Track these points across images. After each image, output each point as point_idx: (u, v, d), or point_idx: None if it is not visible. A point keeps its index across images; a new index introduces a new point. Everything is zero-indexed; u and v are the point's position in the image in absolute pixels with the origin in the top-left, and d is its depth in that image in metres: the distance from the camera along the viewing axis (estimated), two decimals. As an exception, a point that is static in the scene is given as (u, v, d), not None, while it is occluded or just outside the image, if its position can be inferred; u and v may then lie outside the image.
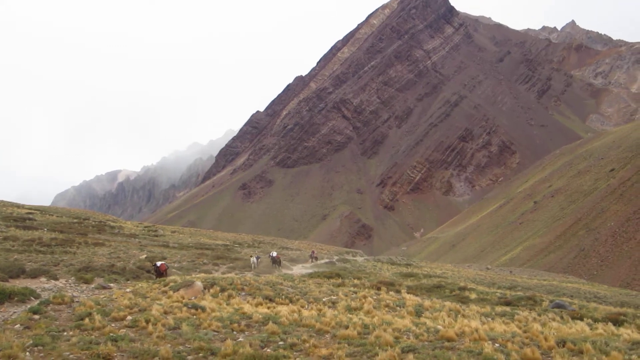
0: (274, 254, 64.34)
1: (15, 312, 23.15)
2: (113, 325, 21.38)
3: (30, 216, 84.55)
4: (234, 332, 21.73)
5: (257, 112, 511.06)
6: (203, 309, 24.49)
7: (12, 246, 50.61)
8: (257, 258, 59.16)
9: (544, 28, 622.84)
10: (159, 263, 42.96)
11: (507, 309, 32.74)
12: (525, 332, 22.83)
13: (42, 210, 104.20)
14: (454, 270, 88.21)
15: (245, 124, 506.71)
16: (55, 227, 74.42)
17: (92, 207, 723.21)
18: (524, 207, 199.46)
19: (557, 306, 34.67)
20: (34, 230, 66.51)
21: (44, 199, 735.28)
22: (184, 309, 24.43)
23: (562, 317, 29.80)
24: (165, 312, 23.51)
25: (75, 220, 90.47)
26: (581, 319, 29.69)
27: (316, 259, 79.23)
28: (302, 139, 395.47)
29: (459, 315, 28.38)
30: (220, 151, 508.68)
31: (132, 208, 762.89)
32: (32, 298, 26.26)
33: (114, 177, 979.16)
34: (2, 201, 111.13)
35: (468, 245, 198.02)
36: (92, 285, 33.14)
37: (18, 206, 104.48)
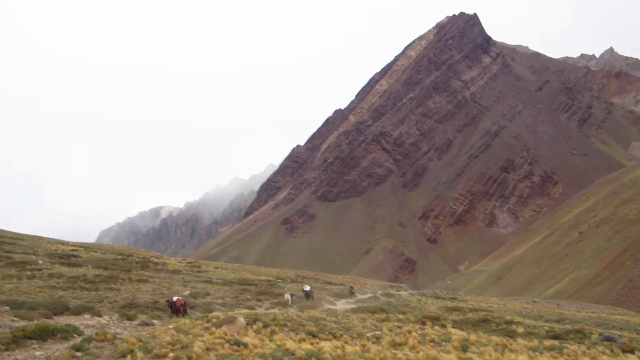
0: (307, 287, 63.75)
1: (57, 350, 23.07)
2: (155, 362, 21.19)
3: (75, 253, 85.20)
4: (277, 369, 21.42)
5: (298, 146, 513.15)
6: (245, 346, 24.12)
7: (57, 283, 50.95)
8: (292, 295, 57.72)
9: (582, 56, 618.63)
10: (175, 298, 41.04)
11: (556, 342, 31.94)
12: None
13: (86, 247, 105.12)
14: (500, 304, 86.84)
15: (286, 158, 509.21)
16: (100, 263, 74.92)
17: (136, 243, 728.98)
18: (569, 237, 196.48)
19: (606, 339, 33.78)
20: (79, 267, 66.98)
21: (88, 235, 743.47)
22: (226, 345, 24.07)
23: (612, 351, 29.00)
24: (208, 349, 23.20)
25: (119, 257, 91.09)
26: (632, 352, 28.86)
27: (354, 294, 78.17)
28: (342, 172, 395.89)
29: (506, 350, 27.72)
30: (262, 186, 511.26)
31: (175, 244, 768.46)
32: (75, 335, 26.19)
33: (157, 213, 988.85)
34: (47, 238, 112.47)
35: (513, 278, 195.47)
36: (135, 322, 33.07)
37: (63, 243, 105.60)
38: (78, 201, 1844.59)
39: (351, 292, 78.25)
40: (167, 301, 41.27)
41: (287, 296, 56.16)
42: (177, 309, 39.19)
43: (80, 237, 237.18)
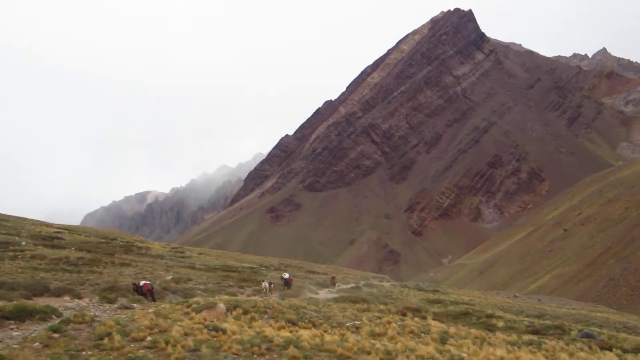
0: (286, 275, 63.52)
1: (35, 331, 23.04)
2: (132, 345, 21.14)
3: (59, 235, 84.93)
4: (254, 356, 21.42)
5: (287, 135, 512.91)
6: (224, 332, 24.17)
7: (39, 265, 50.79)
8: (270, 283, 56.58)
9: (575, 55, 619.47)
10: (141, 282, 40.01)
11: (535, 337, 32.07)
12: (551, 361, 22.35)
13: (70, 229, 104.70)
14: (482, 298, 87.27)
15: (274, 148, 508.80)
16: (83, 246, 74.70)
17: (121, 227, 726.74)
18: (553, 234, 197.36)
19: (585, 336, 34.00)
20: (62, 250, 66.73)
21: (74, 218, 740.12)
22: (205, 330, 24.11)
23: (590, 347, 29.13)
24: (186, 334, 23.24)
25: (103, 240, 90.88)
26: (610, 349, 29.04)
27: (335, 284, 77.86)
28: (330, 163, 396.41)
29: (485, 343, 27.81)
30: (249, 174, 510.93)
31: (160, 229, 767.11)
32: (53, 316, 26.11)
33: (143, 198, 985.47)
34: (31, 220, 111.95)
35: (496, 273, 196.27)
36: (115, 305, 33.04)
37: (47, 225, 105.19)
38: (63, 183, 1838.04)
39: (332, 283, 77.94)
40: (134, 284, 40.40)
41: (265, 284, 55.37)
42: (143, 294, 38.55)
43: (65, 220, 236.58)
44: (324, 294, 64.30)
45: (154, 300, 38.95)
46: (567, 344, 29.87)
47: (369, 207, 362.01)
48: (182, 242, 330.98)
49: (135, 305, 34.11)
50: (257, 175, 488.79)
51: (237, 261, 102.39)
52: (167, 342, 21.37)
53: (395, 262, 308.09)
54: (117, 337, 21.47)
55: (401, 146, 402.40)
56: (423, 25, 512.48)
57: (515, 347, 27.40)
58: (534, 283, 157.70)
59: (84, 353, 19.66)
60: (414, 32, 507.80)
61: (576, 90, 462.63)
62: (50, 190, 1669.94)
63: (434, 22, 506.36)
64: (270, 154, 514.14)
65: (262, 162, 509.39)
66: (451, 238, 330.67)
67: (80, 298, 35.53)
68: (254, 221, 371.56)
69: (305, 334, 25.86)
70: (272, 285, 55.72)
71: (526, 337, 31.50)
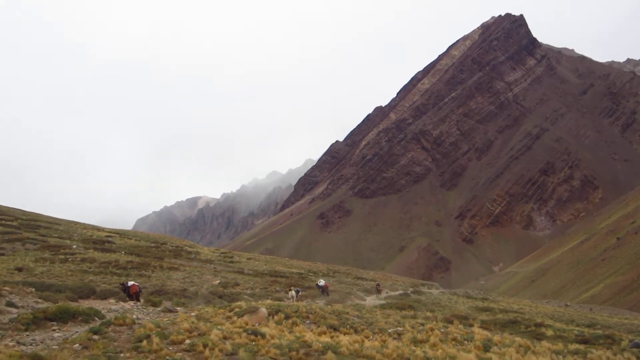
0: (322, 282, 60.35)
1: (76, 332, 23.32)
2: (170, 348, 21.28)
3: (110, 239, 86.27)
4: (291, 360, 21.45)
5: (337, 142, 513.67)
6: (263, 336, 24.21)
7: (89, 268, 51.71)
8: (297, 292, 53.41)
9: (629, 60, 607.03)
10: (129, 283, 38.46)
11: (581, 347, 31.49)
12: (596, 372, 21.91)
13: (121, 233, 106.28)
14: (532, 306, 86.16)
15: (325, 154, 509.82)
16: (133, 250, 75.79)
17: (172, 232, 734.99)
18: (607, 243, 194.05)
19: (636, 346, 33.19)
20: (112, 253, 67.86)
21: (126, 223, 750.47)
22: (244, 334, 24.17)
23: (639, 358, 28.53)
24: (225, 337, 23.31)
25: (152, 245, 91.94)
26: (661, 360, 28.38)
27: (380, 292, 75.73)
28: (380, 169, 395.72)
29: (529, 352, 27.38)
30: (299, 180, 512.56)
31: (211, 234, 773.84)
32: (96, 319, 26.45)
33: (194, 203, 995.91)
34: (82, 223, 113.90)
35: (548, 281, 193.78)
36: (159, 309, 33.30)
37: (98, 229, 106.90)
38: (117, 188, 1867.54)
39: (378, 290, 75.91)
40: (121, 284, 39.14)
41: (292, 292, 52.46)
42: (129, 295, 37.84)
43: (117, 224, 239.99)
44: (371, 301, 64.01)
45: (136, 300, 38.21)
46: (615, 354, 29.21)
47: (419, 214, 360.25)
48: (232, 247, 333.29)
49: (179, 308, 34.37)
50: (307, 181, 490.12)
51: (286, 267, 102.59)
52: (205, 346, 21.45)
53: (445, 269, 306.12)
54: (155, 339, 21.62)
55: (452, 153, 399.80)
56: (474, 31, 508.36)
57: (560, 356, 26.94)
58: (586, 292, 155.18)
59: (122, 355, 19.85)
60: (465, 38, 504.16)
61: (630, 96, 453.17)
62: (104, 195, 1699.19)
63: (485, 27, 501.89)
64: (320, 160, 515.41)
65: (313, 168, 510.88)
66: (502, 246, 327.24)
67: (125, 301, 35.94)
68: (304, 227, 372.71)
69: (345, 339, 25.78)
70: (299, 294, 53.18)
71: (572, 347, 30.91)
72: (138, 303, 36.90)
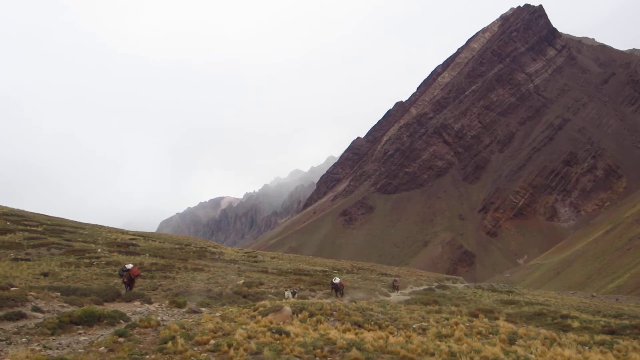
0: (337, 280, 56.47)
1: (102, 335, 23.52)
2: (195, 349, 21.40)
3: (134, 242, 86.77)
4: (317, 358, 21.46)
5: (358, 138, 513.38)
6: (287, 334, 24.30)
7: (114, 271, 51.95)
8: (294, 293, 50.26)
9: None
10: (129, 266, 38.21)
11: (608, 337, 31.38)
12: (621, 362, 21.85)
13: (145, 236, 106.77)
14: (558, 298, 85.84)
15: (346, 151, 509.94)
16: (157, 252, 76.16)
17: (196, 233, 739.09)
18: (632, 232, 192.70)
19: (661, 335, 33.11)
20: (136, 256, 68.23)
21: (150, 225, 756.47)
22: (268, 333, 24.25)
23: (665, 347, 28.36)
24: (249, 337, 23.41)
25: (177, 246, 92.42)
26: (689, 348, 28.20)
27: (398, 288, 73.74)
28: (402, 164, 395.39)
29: (555, 344, 27.34)
30: (322, 178, 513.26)
31: (235, 234, 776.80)
32: (121, 321, 26.64)
33: (217, 204, 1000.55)
34: (107, 227, 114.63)
35: (573, 272, 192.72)
36: (184, 310, 33.51)
37: (122, 232, 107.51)
38: (141, 191, 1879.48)
39: (395, 286, 73.89)
40: (120, 269, 38.97)
41: (288, 294, 49.41)
42: (131, 279, 37.74)
43: (141, 227, 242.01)
44: (395, 297, 64.08)
45: (130, 289, 38.02)
46: (642, 344, 29.14)
47: (443, 208, 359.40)
48: (256, 246, 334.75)
49: (203, 309, 34.56)
50: (330, 178, 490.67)
51: (310, 265, 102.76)
52: (229, 346, 21.55)
53: (470, 263, 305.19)
54: (180, 340, 21.77)
55: (474, 146, 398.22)
56: (493, 23, 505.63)
57: (586, 348, 26.89)
58: (612, 282, 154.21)
59: (147, 357, 19.99)
60: (484, 30, 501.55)
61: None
62: (127, 198, 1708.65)
63: (504, 19, 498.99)
64: (342, 157, 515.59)
65: (334, 166, 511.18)
66: (526, 238, 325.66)
67: (150, 303, 36.17)
68: (327, 225, 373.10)
69: (369, 336, 25.79)
70: (295, 296, 49.75)
71: (598, 338, 30.81)
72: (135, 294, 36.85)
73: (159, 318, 27.79)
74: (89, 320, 25.33)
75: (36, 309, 27.49)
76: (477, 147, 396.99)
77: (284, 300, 44.52)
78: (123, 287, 37.72)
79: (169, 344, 21.55)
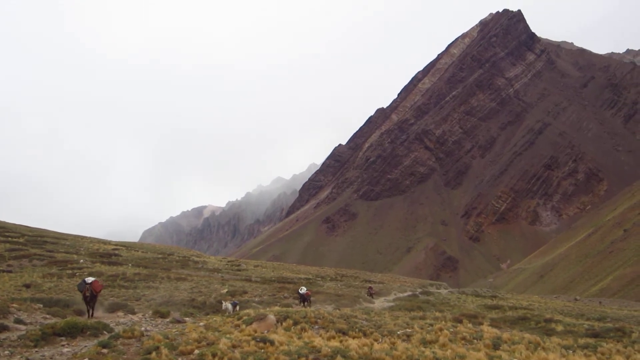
0: (303, 289, 53.16)
1: (85, 347, 23.33)
2: (180, 359, 21.33)
3: (116, 252, 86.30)
4: (302, 366, 21.47)
5: (340, 145, 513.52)
6: (272, 343, 24.20)
7: (96, 282, 51.53)
8: (234, 304, 43.55)
9: (629, 51, 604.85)
10: (89, 279, 32.49)
11: (591, 341, 31.55)
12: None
13: (127, 246, 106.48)
14: (541, 302, 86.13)
15: (328, 158, 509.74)
16: (140, 262, 75.81)
17: (179, 242, 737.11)
18: (614, 235, 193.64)
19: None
20: (119, 266, 67.83)
21: (132, 235, 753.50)
22: (252, 342, 24.15)
23: (649, 350, 28.56)
24: (233, 346, 23.29)
25: (159, 256, 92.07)
26: (672, 351, 28.39)
27: (372, 295, 71.84)
28: (384, 171, 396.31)
29: (539, 348, 27.45)
30: (304, 185, 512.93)
31: (218, 243, 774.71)
32: (104, 332, 26.46)
33: (200, 212, 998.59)
34: (89, 238, 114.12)
35: (556, 276, 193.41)
36: (167, 320, 33.35)
37: (105, 242, 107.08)
38: (122, 201, 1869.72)
39: (369, 294, 72.02)
40: (82, 280, 32.96)
41: (227, 305, 43.07)
42: (94, 295, 32.76)
43: (124, 237, 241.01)
44: (379, 303, 64.11)
45: (92, 308, 33.44)
46: (625, 347, 29.33)
47: (425, 214, 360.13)
48: (239, 255, 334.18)
49: (187, 319, 34.44)
50: (312, 186, 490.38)
51: (293, 272, 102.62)
52: (214, 355, 21.46)
53: (453, 268, 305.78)
54: (164, 351, 21.65)
55: (455, 151, 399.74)
56: (472, 28, 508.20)
57: (570, 351, 27.04)
58: (595, 285, 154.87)
59: (131, 368, 19.91)
60: (464, 36, 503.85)
61: (631, 87, 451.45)
62: (109, 208, 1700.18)
63: (483, 24, 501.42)
64: (324, 164, 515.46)
65: (317, 173, 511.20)
66: (509, 242, 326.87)
67: (133, 313, 36.01)
68: (310, 232, 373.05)
69: (354, 343, 25.75)
70: (237, 307, 43.00)
71: (582, 341, 31.04)
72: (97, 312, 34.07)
73: (142, 328, 27.64)
74: (72, 332, 25.14)
75: (19, 321, 27.28)
76: (459, 153, 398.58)
77: (224, 311, 42.19)
78: (84, 305, 33.36)
79: (153, 354, 21.42)
